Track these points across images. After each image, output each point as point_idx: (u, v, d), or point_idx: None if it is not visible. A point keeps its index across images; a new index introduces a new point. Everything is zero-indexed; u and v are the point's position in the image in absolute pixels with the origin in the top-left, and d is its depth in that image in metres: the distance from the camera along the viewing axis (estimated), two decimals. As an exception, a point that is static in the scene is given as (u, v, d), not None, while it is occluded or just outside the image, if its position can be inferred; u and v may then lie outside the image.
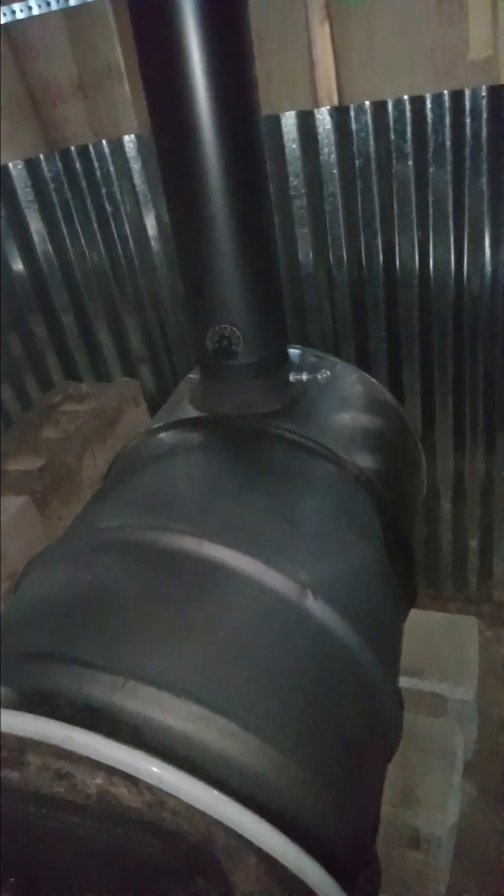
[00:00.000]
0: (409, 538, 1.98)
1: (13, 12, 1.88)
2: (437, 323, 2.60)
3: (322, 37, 2.23)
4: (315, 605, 1.41)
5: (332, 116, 2.31)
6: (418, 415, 2.81)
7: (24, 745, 1.19)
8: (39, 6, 1.83)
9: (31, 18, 2.24)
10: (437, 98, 2.18)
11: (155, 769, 1.08)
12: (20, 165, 2.60)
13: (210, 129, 1.67)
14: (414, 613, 2.06)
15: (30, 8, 1.86)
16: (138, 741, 1.12)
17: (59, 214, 2.73)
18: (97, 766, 1.15)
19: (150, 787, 1.12)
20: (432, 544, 3.12)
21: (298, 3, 2.20)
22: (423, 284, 2.54)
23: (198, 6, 1.55)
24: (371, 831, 1.42)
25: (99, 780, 1.17)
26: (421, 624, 2.49)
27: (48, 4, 1.85)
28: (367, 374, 2.26)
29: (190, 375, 2.29)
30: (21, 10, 1.86)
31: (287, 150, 2.42)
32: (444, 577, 3.20)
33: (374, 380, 2.23)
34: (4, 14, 1.89)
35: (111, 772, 1.14)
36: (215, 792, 1.08)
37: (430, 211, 2.39)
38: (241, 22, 1.67)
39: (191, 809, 1.11)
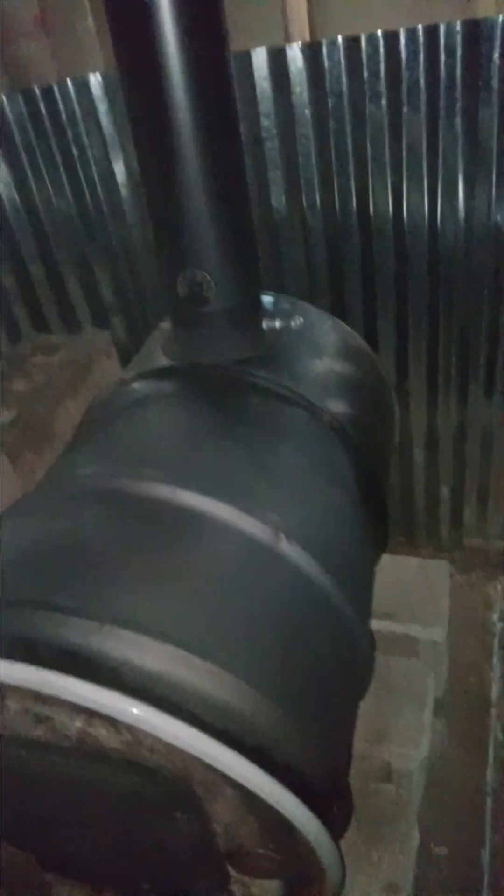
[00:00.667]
0: (382, 485, 2.00)
1: None
2: (412, 270, 2.58)
3: (294, -32, 2.15)
4: (288, 548, 1.43)
5: (303, 53, 2.24)
6: (392, 363, 2.81)
7: (2, 691, 1.21)
8: None
9: None
10: (412, 33, 2.11)
11: (134, 710, 1.10)
12: (-19, 104, 2.49)
13: (178, 64, 1.61)
14: (386, 558, 2.10)
15: None
16: (116, 683, 1.14)
17: (24, 158, 2.63)
18: (76, 708, 1.17)
19: (128, 728, 1.15)
20: (405, 492, 3.16)
21: None
22: (398, 230, 2.51)
23: None
24: (344, 765, 1.47)
25: (78, 723, 1.19)
26: (393, 568, 2.54)
27: None
28: (341, 322, 2.25)
29: (162, 324, 2.25)
30: None
31: (258, 90, 2.35)
32: (416, 523, 3.26)
33: (348, 327, 2.22)
34: None
35: (90, 714, 1.16)
36: (192, 729, 1.10)
37: (404, 153, 2.35)
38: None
39: (169, 747, 1.14)
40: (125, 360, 2.83)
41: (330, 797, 1.30)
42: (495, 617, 2.97)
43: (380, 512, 1.91)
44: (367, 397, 2.09)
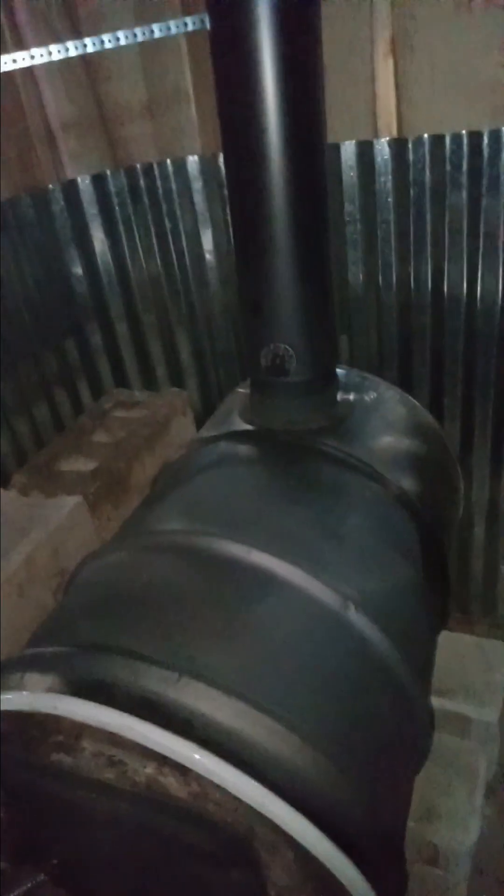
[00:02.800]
0: (446, 559, 2.03)
1: (84, 46, 1.98)
2: (481, 350, 2.65)
3: (385, 70, 2.32)
4: (356, 618, 1.48)
5: (390, 147, 2.39)
6: (457, 439, 2.86)
7: (81, 731, 1.28)
8: (111, 41, 1.92)
9: (106, 43, 2.34)
10: (495, 134, 2.24)
11: (207, 761, 1.15)
12: (87, 180, 2.72)
13: (278, 154, 1.75)
14: (442, 635, 2.11)
15: (102, 42, 1.94)
16: (188, 733, 1.19)
17: (121, 228, 2.84)
18: (149, 754, 1.23)
19: (198, 778, 1.19)
20: (463, 567, 3.16)
21: (364, 37, 2.29)
22: (470, 311, 2.60)
23: (276, 37, 1.63)
24: (400, 837, 1.47)
25: (149, 769, 1.24)
26: (448, 645, 2.53)
27: (118, 40, 1.94)
28: (410, 397, 2.32)
29: (239, 389, 2.37)
30: (94, 44, 1.95)
31: (344, 177, 2.50)
32: (473, 600, 3.23)
33: (417, 403, 2.29)
34: (76, 47, 1.98)
35: (162, 761, 1.21)
36: (261, 786, 1.15)
37: (481, 241, 2.45)
38: (315, 52, 1.75)
39: (235, 801, 1.17)
40: (197, 421, 2.96)
41: (386, 868, 1.31)
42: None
43: (443, 587, 1.94)
44: (434, 472, 2.15)
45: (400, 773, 1.49)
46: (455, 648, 2.61)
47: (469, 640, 2.70)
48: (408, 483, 1.96)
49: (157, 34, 1.96)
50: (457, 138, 2.30)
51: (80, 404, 3.11)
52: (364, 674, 1.45)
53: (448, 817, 2.10)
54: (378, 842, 1.31)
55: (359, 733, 1.36)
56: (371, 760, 1.35)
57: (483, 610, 3.24)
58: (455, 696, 2.44)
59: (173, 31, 1.97)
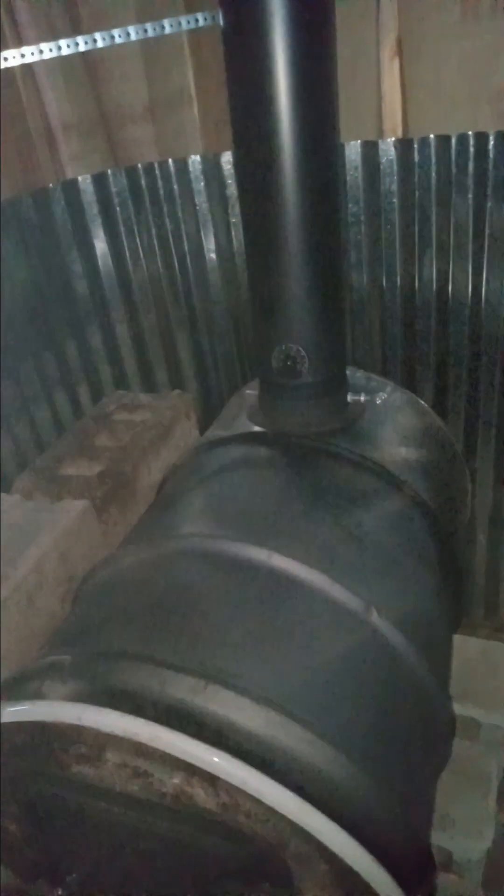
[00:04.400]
0: (459, 561, 2.02)
1: (94, 41, 1.95)
2: (485, 352, 2.65)
3: (391, 71, 2.31)
4: (379, 622, 1.46)
5: (395, 148, 2.38)
6: (460, 441, 2.85)
7: (106, 742, 1.24)
8: (121, 36, 1.89)
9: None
10: (501, 136, 2.24)
11: (240, 771, 1.11)
12: (88, 180, 2.68)
13: (291, 154, 1.73)
14: (450, 638, 2.10)
15: (112, 37, 1.91)
16: (219, 743, 1.16)
17: (122, 229, 2.81)
18: (176, 765, 1.19)
19: (228, 789, 1.16)
20: (466, 571, 3.14)
21: (370, 38, 2.28)
22: (474, 314, 2.59)
23: (291, 35, 1.62)
24: (428, 844, 1.45)
25: (176, 780, 1.21)
26: (455, 649, 2.52)
27: (128, 35, 1.91)
28: (419, 399, 2.31)
29: (246, 391, 2.34)
30: (103, 39, 1.92)
31: (349, 178, 2.49)
32: (475, 603, 3.22)
33: (427, 405, 2.28)
34: (86, 42, 1.95)
35: (191, 772, 1.18)
36: (296, 797, 1.12)
37: (486, 243, 2.45)
38: (329, 52, 1.74)
39: (268, 813, 1.14)
40: (198, 424, 2.93)
41: (419, 876, 1.29)
42: None
43: (457, 588, 1.92)
44: (445, 475, 2.13)
45: (426, 779, 1.46)
46: (461, 652, 2.59)
47: (474, 643, 2.69)
48: (421, 486, 1.95)
49: (150, 33, 1.93)
50: (462, 139, 2.30)
51: (80, 407, 3.07)
52: (389, 679, 1.43)
53: (462, 823, 2.08)
54: (409, 850, 1.28)
55: (388, 740, 1.33)
56: (401, 767, 1.33)
57: (486, 613, 3.23)
58: (464, 700, 2.42)
59: (167, 30, 1.94)
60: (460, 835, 2.06)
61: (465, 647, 2.62)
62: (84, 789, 1.29)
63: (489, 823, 2.11)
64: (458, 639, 2.63)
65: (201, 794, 1.20)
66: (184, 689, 1.21)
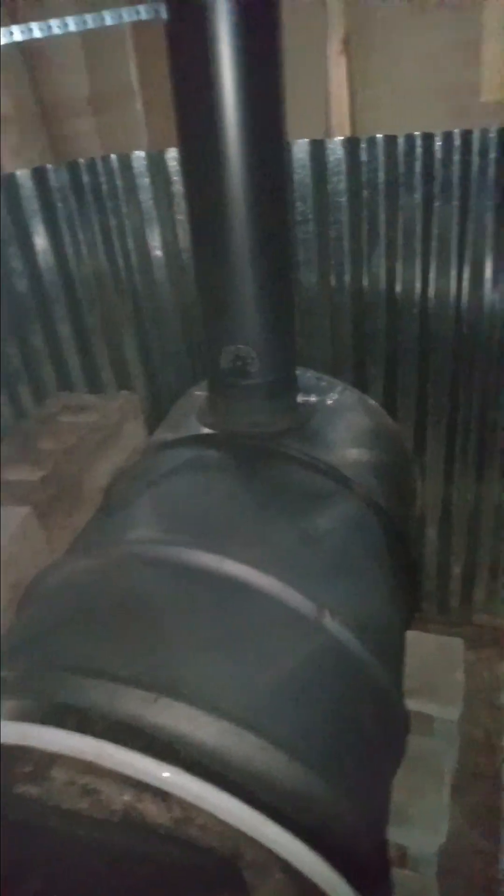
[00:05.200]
0: (412, 559, 2.03)
1: (30, 30, 1.88)
2: (434, 351, 2.67)
3: (338, 69, 2.30)
4: (332, 624, 1.44)
5: (344, 147, 2.38)
6: (410, 439, 2.87)
7: (52, 760, 1.19)
8: (59, 27, 1.83)
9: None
10: (448, 136, 2.25)
11: (192, 785, 1.09)
12: (28, 174, 2.60)
13: (238, 151, 1.70)
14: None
15: (49, 28, 1.84)
16: (171, 757, 1.13)
17: (64, 226, 2.73)
18: (126, 781, 1.15)
19: (180, 804, 1.13)
20: (417, 567, 3.17)
21: (318, 35, 2.27)
22: (423, 313, 2.61)
23: (236, 28, 1.58)
24: (384, 844, 1.44)
25: (126, 797, 1.17)
26: (410, 644, 2.52)
27: (66, 25, 1.85)
28: (370, 400, 2.31)
29: (195, 391, 2.31)
30: (40, 30, 1.85)
31: (297, 176, 2.47)
32: (427, 598, 3.26)
33: (377, 405, 2.28)
34: (22, 31, 1.88)
35: (140, 788, 1.15)
36: (250, 808, 1.09)
37: (434, 243, 2.47)
38: (275, 46, 1.71)
39: (221, 825, 1.12)
40: (146, 425, 2.87)
41: (374, 879, 1.28)
42: (505, 698, 2.95)
43: (410, 586, 1.93)
44: (395, 475, 2.14)
45: (382, 779, 1.46)
46: (415, 647, 2.61)
47: (429, 638, 2.71)
48: (373, 486, 1.95)
49: (90, 24, 1.86)
50: (409, 139, 2.30)
51: (22, 409, 2.97)
52: (343, 681, 1.42)
53: (417, 819, 2.09)
54: (366, 852, 1.28)
55: (343, 743, 1.32)
56: (357, 769, 1.32)
57: (438, 609, 3.27)
58: (417, 695, 2.43)
59: (108, 21, 1.88)
60: (416, 830, 2.07)
61: (420, 643, 2.64)
62: (31, 808, 1.24)
63: (444, 818, 2.13)
64: (412, 634, 2.64)
65: (153, 810, 1.16)
66: (134, 703, 1.18)
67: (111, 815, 1.19)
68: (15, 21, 2.46)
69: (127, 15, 1.74)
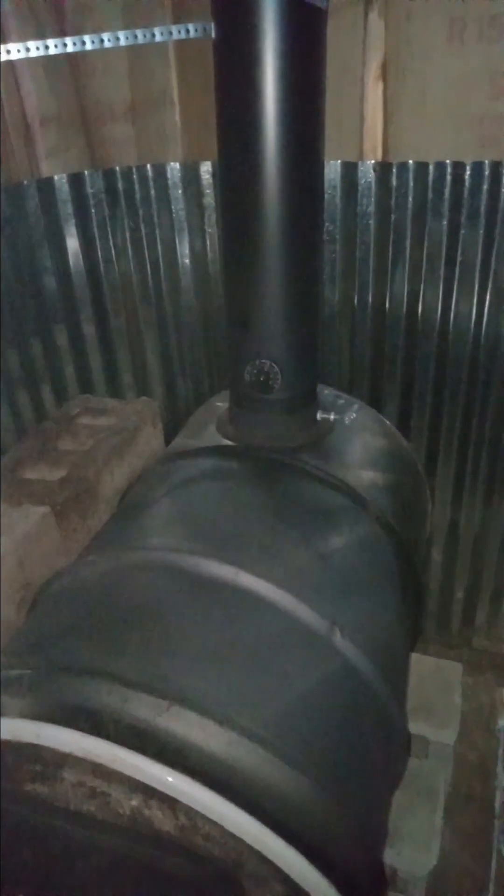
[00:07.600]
0: (421, 580, 2.05)
1: (83, 43, 1.91)
2: (451, 374, 2.69)
3: (375, 94, 2.34)
4: (343, 643, 1.47)
5: (375, 170, 2.41)
6: (422, 460, 2.89)
7: (63, 761, 1.21)
8: (111, 41, 1.86)
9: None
10: (478, 166, 2.29)
11: (201, 794, 1.11)
12: (64, 179, 2.64)
13: (276, 168, 1.72)
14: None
15: (101, 41, 1.88)
16: (180, 764, 1.15)
17: (96, 230, 2.77)
18: (135, 786, 1.18)
19: (186, 811, 1.15)
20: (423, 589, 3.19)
21: (356, 59, 2.30)
22: (442, 336, 2.64)
23: (281, 48, 1.61)
24: (381, 861, 1.46)
25: (134, 802, 1.19)
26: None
27: (117, 39, 1.88)
28: (387, 421, 2.33)
29: (216, 402, 2.34)
30: (92, 42, 1.88)
31: (327, 196, 2.51)
32: (428, 618, 3.27)
33: (394, 427, 2.31)
34: (75, 44, 1.91)
35: (149, 793, 1.17)
36: (254, 819, 1.12)
37: (458, 269, 2.50)
38: (319, 68, 1.74)
39: (226, 835, 1.14)
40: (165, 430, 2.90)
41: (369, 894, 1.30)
42: (502, 723, 2.96)
43: (417, 608, 1.95)
44: (408, 496, 2.16)
45: (383, 798, 1.48)
46: (414, 669, 2.63)
47: (428, 660, 2.73)
48: (386, 505, 1.97)
49: (140, 40, 1.90)
50: (440, 167, 2.34)
51: (42, 408, 3.01)
52: (351, 699, 1.44)
53: (410, 839, 2.11)
54: (364, 870, 1.29)
55: (348, 759, 1.34)
56: (359, 787, 1.34)
57: (437, 630, 3.28)
58: (415, 718, 2.45)
59: (157, 38, 1.92)
60: (408, 850, 2.09)
61: (419, 664, 2.66)
62: (37, 806, 1.27)
63: (436, 839, 2.15)
64: (412, 656, 2.67)
65: (159, 816, 1.19)
66: (146, 709, 1.20)
67: (118, 818, 1.21)
68: (62, 25, 2.52)
69: (176, 32, 1.77)
